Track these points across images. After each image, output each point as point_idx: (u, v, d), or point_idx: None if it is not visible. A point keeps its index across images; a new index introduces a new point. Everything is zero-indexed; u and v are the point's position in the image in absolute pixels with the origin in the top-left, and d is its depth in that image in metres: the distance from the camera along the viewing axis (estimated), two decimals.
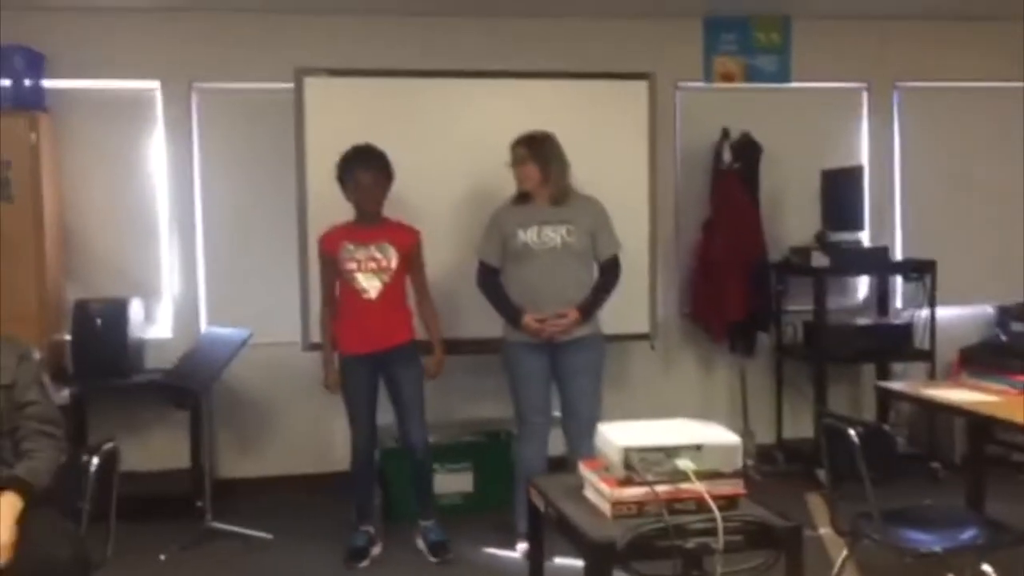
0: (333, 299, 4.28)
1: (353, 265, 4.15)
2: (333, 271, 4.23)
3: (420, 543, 4.32)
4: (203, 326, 5.16)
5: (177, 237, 5.19)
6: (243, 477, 5.19)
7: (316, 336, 4.58)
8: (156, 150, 5.18)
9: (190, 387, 4.40)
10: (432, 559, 4.22)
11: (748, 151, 5.44)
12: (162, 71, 5.12)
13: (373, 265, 4.15)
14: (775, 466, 5.48)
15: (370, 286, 4.15)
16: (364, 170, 4.14)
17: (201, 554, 4.34)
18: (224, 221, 5.21)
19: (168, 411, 4.91)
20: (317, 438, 5.22)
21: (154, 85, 5.14)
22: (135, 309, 4.93)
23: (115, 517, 2.90)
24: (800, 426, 5.57)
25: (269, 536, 4.52)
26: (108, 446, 2.83)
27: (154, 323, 5.17)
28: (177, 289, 5.20)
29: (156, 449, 5.06)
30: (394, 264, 4.16)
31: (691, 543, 2.09)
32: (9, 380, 2.78)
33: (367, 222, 4.21)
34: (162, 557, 4.26)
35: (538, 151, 4.15)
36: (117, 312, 4.80)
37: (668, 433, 2.34)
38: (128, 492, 3.06)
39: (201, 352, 4.64)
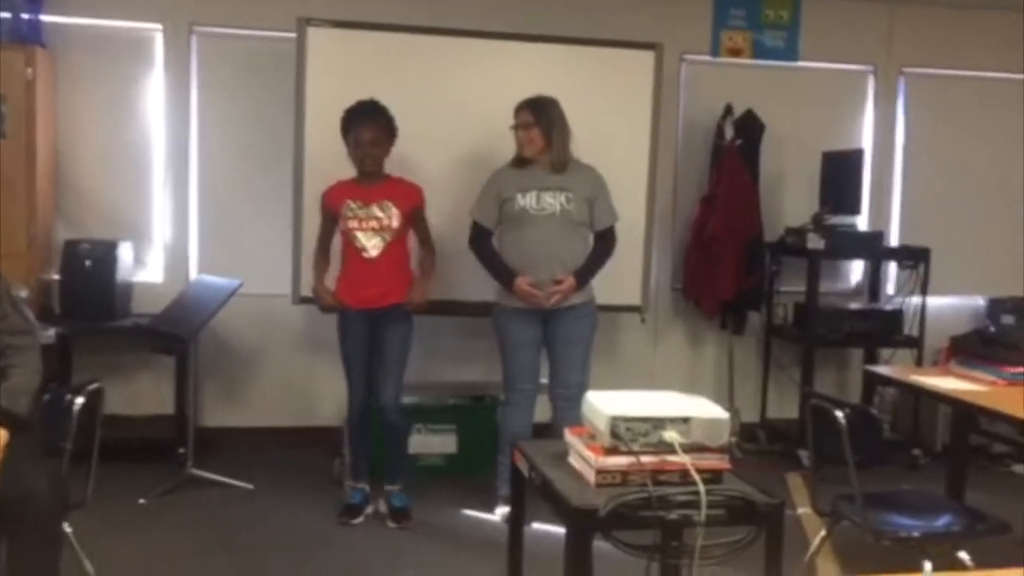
0: (327, 249, 4.25)
1: (354, 223, 4.11)
2: (332, 227, 4.20)
3: (381, 506, 4.28)
4: (193, 273, 5.12)
5: (171, 182, 5.14)
6: (226, 426, 5.18)
7: (306, 290, 4.55)
8: (154, 93, 5.11)
9: (177, 333, 4.38)
10: (391, 524, 4.18)
11: (750, 128, 5.40)
12: (164, 13, 5.04)
13: (374, 224, 4.11)
14: (758, 444, 5.52)
15: (370, 245, 4.11)
16: (365, 126, 4.09)
17: (181, 500, 4.35)
18: (219, 169, 5.16)
19: (154, 356, 4.90)
20: (302, 392, 5.22)
21: (155, 26, 5.06)
22: (125, 252, 4.89)
23: (97, 458, 2.89)
24: (785, 407, 5.60)
25: (250, 486, 4.53)
26: (93, 386, 2.82)
27: (144, 267, 5.13)
28: (169, 234, 5.16)
29: (140, 394, 5.05)
30: (395, 223, 4.12)
31: (673, 514, 2.09)
32: None
33: (370, 180, 4.16)
34: (142, 501, 4.27)
35: (543, 116, 4.11)
36: (107, 254, 4.76)
37: (656, 404, 2.33)
38: (110, 435, 3.06)
39: (190, 299, 4.62)
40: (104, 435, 2.98)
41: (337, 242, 4.25)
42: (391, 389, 4.22)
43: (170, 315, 4.52)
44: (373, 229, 4.11)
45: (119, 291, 4.81)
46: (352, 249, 4.14)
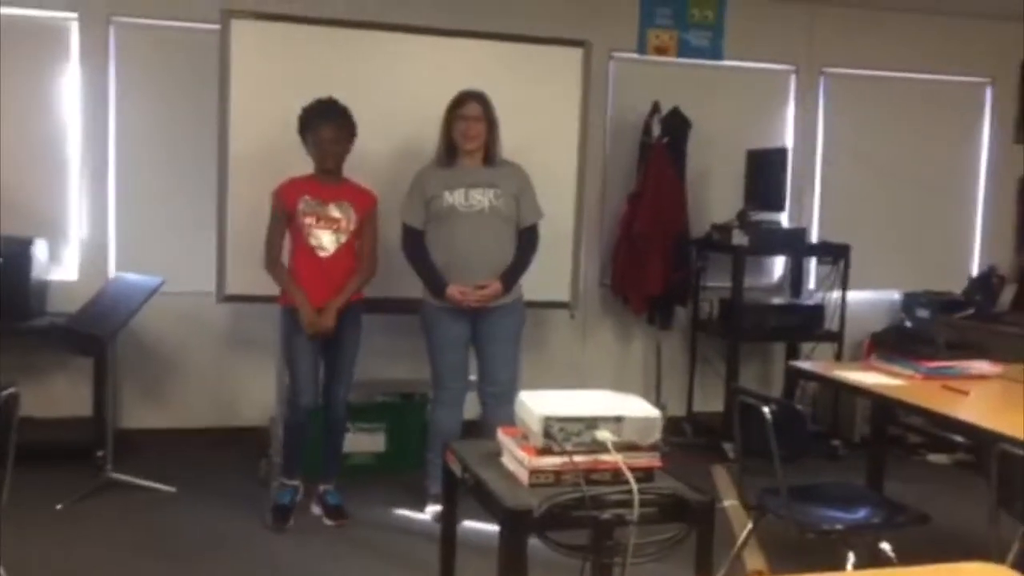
0: (279, 251, 4.13)
1: (311, 220, 4.04)
2: (285, 225, 4.10)
3: (315, 507, 4.24)
4: (112, 271, 4.97)
5: (88, 177, 4.98)
6: (147, 428, 5.05)
7: (232, 287, 4.46)
8: (70, 85, 4.94)
9: (95, 333, 4.24)
10: (329, 522, 4.15)
11: (677, 126, 5.47)
12: (80, 2, 4.88)
13: (332, 224, 4.05)
14: (684, 438, 5.60)
15: (327, 243, 4.05)
16: (325, 125, 4.03)
17: (100, 505, 4.23)
18: (139, 163, 5.02)
19: (71, 357, 4.75)
20: (225, 392, 5.12)
21: (71, 15, 4.90)
22: (40, 250, 4.72)
23: (12, 464, 2.79)
24: (710, 400, 5.69)
25: (172, 489, 4.42)
26: (9, 391, 2.71)
27: (60, 265, 4.97)
28: (86, 231, 5.00)
29: (56, 395, 4.89)
30: (352, 226, 4.08)
31: (607, 514, 2.10)
32: None
33: (328, 179, 4.10)
34: (59, 507, 4.14)
35: (488, 110, 4.11)
36: (20, 252, 4.59)
37: (589, 404, 2.34)
38: (26, 439, 2.94)
39: (108, 298, 4.48)
40: (19, 439, 2.87)
41: (285, 242, 4.16)
42: (344, 391, 4.20)
43: (87, 314, 4.38)
44: (330, 228, 4.05)
45: (33, 290, 4.65)
46: (305, 248, 4.06)
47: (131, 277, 4.57)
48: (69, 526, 3.99)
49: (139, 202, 5.02)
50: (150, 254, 4.93)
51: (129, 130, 5.00)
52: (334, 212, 4.07)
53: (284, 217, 4.10)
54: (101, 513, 4.14)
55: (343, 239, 4.08)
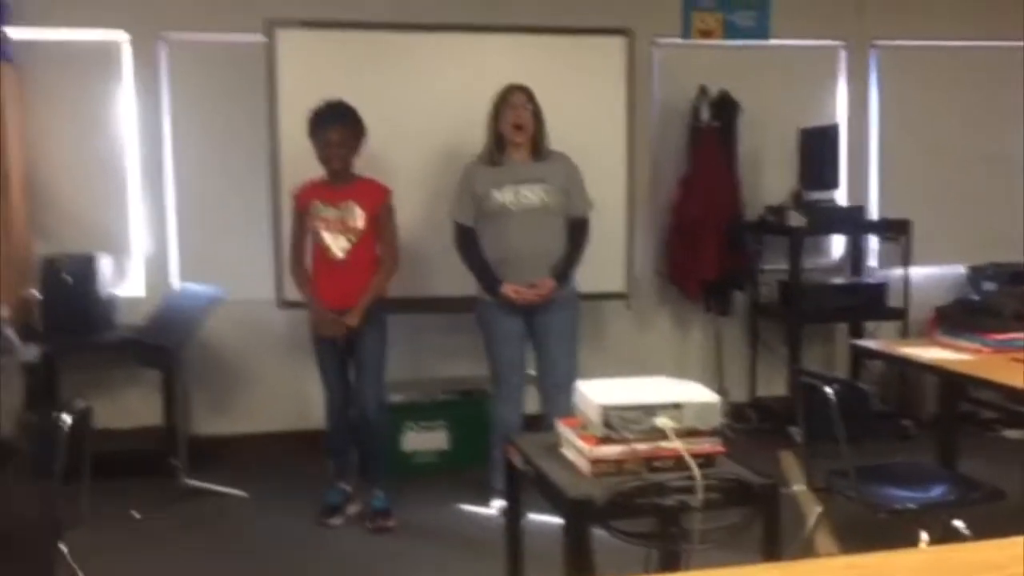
0: (301, 254, 4.21)
1: (320, 224, 4.11)
2: (303, 226, 4.18)
3: (352, 508, 4.24)
4: (175, 283, 5.09)
5: (147, 192, 5.09)
6: (218, 435, 5.15)
7: (289, 293, 4.54)
8: (124, 103, 5.06)
9: (163, 345, 4.34)
10: (368, 525, 4.14)
11: (726, 109, 5.40)
12: (129, 21, 4.99)
13: (340, 225, 4.10)
14: (748, 424, 5.54)
15: (337, 246, 4.10)
16: (332, 126, 4.07)
17: (176, 512, 4.32)
18: (195, 176, 5.12)
19: (140, 369, 4.86)
20: (292, 395, 5.19)
21: (121, 36, 5.01)
22: (104, 265, 4.84)
23: (89, 476, 2.87)
24: (773, 385, 5.62)
25: (245, 494, 4.51)
26: (81, 405, 2.79)
27: (125, 280, 5.09)
28: (148, 245, 5.12)
29: (129, 407, 5.01)
30: (360, 224, 4.10)
31: (670, 500, 2.10)
32: None
33: (337, 180, 4.14)
34: (136, 515, 4.24)
35: (534, 102, 4.12)
36: (86, 268, 4.71)
37: (647, 391, 2.33)
38: (101, 450, 3.03)
39: (174, 309, 4.58)
40: (95, 450, 2.95)
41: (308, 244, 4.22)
42: (372, 393, 4.19)
43: (155, 327, 4.48)
44: (339, 230, 4.10)
45: (101, 305, 4.76)
46: (320, 249, 4.13)
47: (194, 288, 4.67)
48: (147, 534, 4.10)
49: (197, 214, 5.13)
50: (211, 264, 5.02)
51: (184, 144, 5.11)
52: (341, 215, 4.10)
53: (301, 218, 4.17)
54: (178, 520, 4.24)
55: (353, 239, 4.10)
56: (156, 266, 5.10)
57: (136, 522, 4.20)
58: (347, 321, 4.06)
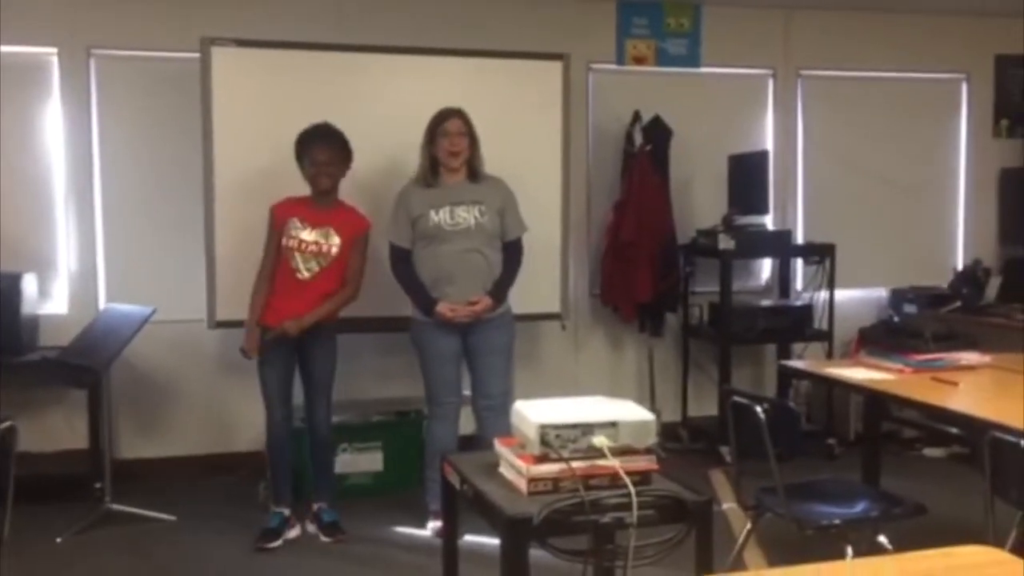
0: (271, 273, 4.16)
1: (293, 243, 4.09)
2: (277, 240, 4.14)
3: (310, 525, 4.27)
4: (102, 302, 4.98)
5: (74, 210, 4.99)
6: (144, 458, 5.04)
7: (221, 313, 4.48)
8: (52, 119, 4.96)
9: (89, 365, 4.24)
10: (325, 539, 4.18)
11: (659, 134, 5.51)
12: (59, 37, 4.90)
13: (314, 248, 4.09)
14: (680, 443, 5.62)
15: (305, 268, 4.10)
16: (319, 146, 4.10)
17: (100, 537, 4.22)
18: (125, 194, 5.03)
19: (64, 390, 4.75)
20: (222, 418, 5.12)
21: (51, 51, 4.92)
22: (29, 284, 4.72)
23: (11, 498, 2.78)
24: (704, 405, 5.72)
25: (172, 518, 4.42)
26: (5, 424, 2.71)
27: (50, 299, 4.97)
28: (74, 264, 5.00)
29: (52, 429, 4.88)
30: (335, 251, 4.11)
31: (606, 517, 2.12)
32: None
33: (321, 202, 4.15)
34: (59, 540, 4.12)
35: (470, 126, 4.16)
36: (9, 287, 4.58)
37: (583, 410, 2.36)
38: (24, 473, 2.94)
39: (100, 329, 4.48)
40: (17, 473, 2.87)
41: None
42: (323, 409, 4.22)
43: (80, 346, 4.38)
44: (312, 253, 4.09)
45: (25, 324, 4.64)
46: (287, 267, 4.11)
47: (122, 307, 4.58)
48: (70, 558, 3.98)
49: (127, 232, 5.03)
50: (140, 284, 4.94)
51: (114, 161, 5.02)
52: (318, 238, 4.10)
53: (276, 233, 4.14)
54: (101, 544, 4.14)
55: (323, 263, 4.11)
56: (83, 285, 4.99)
57: (59, 545, 4.08)
58: (286, 327, 4.03)
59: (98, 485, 4.46)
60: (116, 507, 4.40)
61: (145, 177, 5.03)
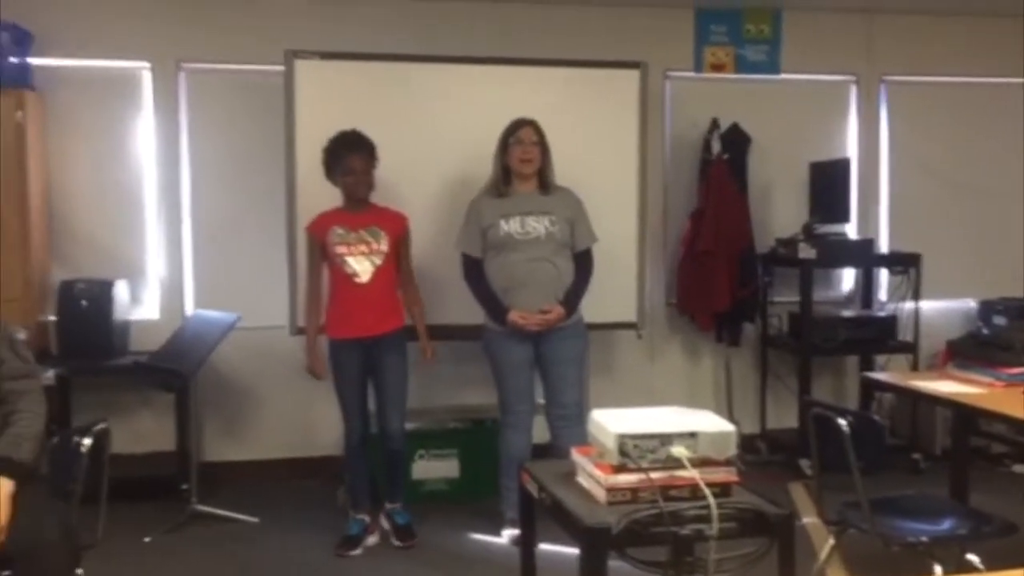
0: (318, 287, 4.25)
1: (343, 248, 4.14)
2: (320, 257, 4.21)
3: (385, 526, 4.32)
4: (189, 308, 5.13)
5: (164, 219, 5.15)
6: (229, 460, 5.17)
7: (304, 320, 4.57)
8: (144, 131, 5.13)
9: (178, 370, 4.37)
10: (397, 543, 4.22)
11: (737, 141, 5.46)
12: (151, 51, 5.07)
13: (364, 248, 4.14)
14: (759, 456, 5.54)
15: (361, 269, 4.13)
16: (355, 156, 4.14)
17: (186, 537, 4.34)
18: (212, 203, 5.18)
19: (153, 393, 4.89)
20: (303, 422, 5.22)
21: (143, 65, 5.09)
22: (121, 290, 4.89)
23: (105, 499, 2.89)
24: (783, 416, 5.62)
25: (255, 520, 4.52)
26: (100, 427, 2.82)
27: (140, 305, 5.13)
28: (164, 271, 5.16)
29: (141, 431, 5.04)
30: (385, 247, 4.16)
31: (686, 529, 2.11)
32: None
33: (356, 208, 4.20)
34: (147, 539, 4.26)
35: (542, 136, 4.18)
36: (102, 293, 4.76)
37: (662, 420, 2.35)
38: (113, 474, 3.04)
39: (188, 334, 4.62)
40: (108, 474, 2.97)
41: (324, 276, 4.25)
42: (397, 417, 4.26)
43: (169, 352, 4.52)
44: (363, 253, 4.14)
45: (116, 329, 4.81)
46: (342, 276, 4.15)
47: (208, 314, 4.71)
48: (158, 558, 4.11)
49: (213, 241, 5.18)
50: (225, 291, 5.07)
51: (202, 172, 5.17)
52: (366, 237, 4.16)
53: (318, 250, 4.20)
54: (187, 545, 4.26)
55: (378, 262, 4.15)
56: (171, 291, 5.15)
57: (147, 545, 4.22)
58: (428, 359, 4.32)
59: (185, 486, 4.59)
60: (202, 508, 4.52)
61: (231, 186, 5.17)
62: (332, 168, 4.18)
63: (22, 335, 3.01)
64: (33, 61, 4.88)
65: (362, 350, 4.18)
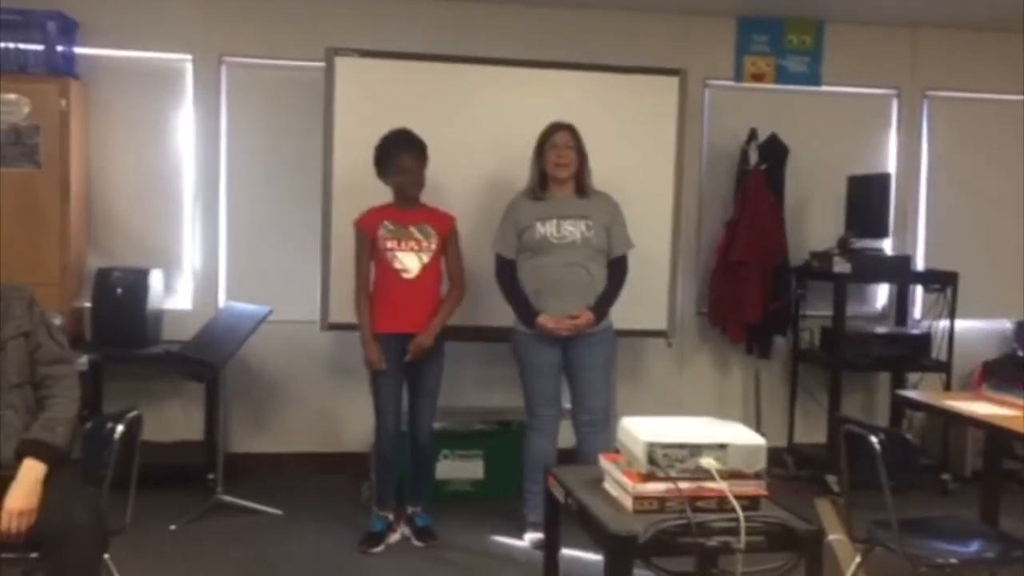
0: (368, 282, 4.25)
1: (393, 243, 4.16)
2: (370, 253, 4.22)
3: (405, 528, 4.32)
4: (222, 300, 5.17)
5: (200, 210, 5.20)
6: (255, 452, 5.20)
7: (334, 315, 4.60)
8: (184, 122, 5.18)
9: (208, 360, 4.41)
10: (417, 544, 4.22)
11: (775, 152, 5.42)
12: (194, 44, 5.12)
13: (414, 245, 4.17)
14: (786, 470, 5.49)
15: (410, 265, 4.16)
16: (407, 154, 4.16)
17: (211, 526, 4.37)
18: (248, 197, 5.22)
19: (183, 383, 4.93)
20: (330, 417, 5.24)
21: (185, 57, 5.14)
22: (156, 280, 4.94)
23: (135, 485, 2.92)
24: (812, 431, 5.57)
25: (279, 512, 4.55)
26: (132, 413, 2.85)
27: (174, 294, 5.18)
28: (198, 262, 5.21)
29: (170, 420, 5.09)
30: (434, 245, 4.19)
31: (713, 541, 2.10)
32: (26, 328, 2.79)
33: (407, 205, 4.22)
34: (173, 527, 4.30)
35: (579, 140, 4.17)
36: (138, 282, 4.81)
37: (692, 430, 2.34)
38: (141, 461, 3.07)
39: (220, 326, 4.66)
40: (138, 461, 3.00)
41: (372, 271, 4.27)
42: (428, 417, 4.27)
43: (200, 342, 4.55)
44: (412, 250, 4.16)
45: (150, 318, 4.85)
46: (390, 271, 4.17)
47: (241, 306, 4.75)
48: (182, 546, 4.14)
49: (248, 233, 5.22)
50: (258, 284, 5.11)
51: (239, 165, 5.21)
52: (415, 234, 4.18)
53: (368, 245, 4.21)
54: (212, 534, 4.29)
55: (426, 259, 4.17)
56: (205, 282, 5.19)
57: (172, 533, 4.25)
58: (421, 341, 4.12)
59: (211, 476, 4.63)
60: (227, 498, 4.55)
61: (267, 180, 5.21)
62: (384, 166, 4.20)
63: (58, 320, 3.05)
64: (78, 50, 4.95)
65: (402, 346, 4.16)
